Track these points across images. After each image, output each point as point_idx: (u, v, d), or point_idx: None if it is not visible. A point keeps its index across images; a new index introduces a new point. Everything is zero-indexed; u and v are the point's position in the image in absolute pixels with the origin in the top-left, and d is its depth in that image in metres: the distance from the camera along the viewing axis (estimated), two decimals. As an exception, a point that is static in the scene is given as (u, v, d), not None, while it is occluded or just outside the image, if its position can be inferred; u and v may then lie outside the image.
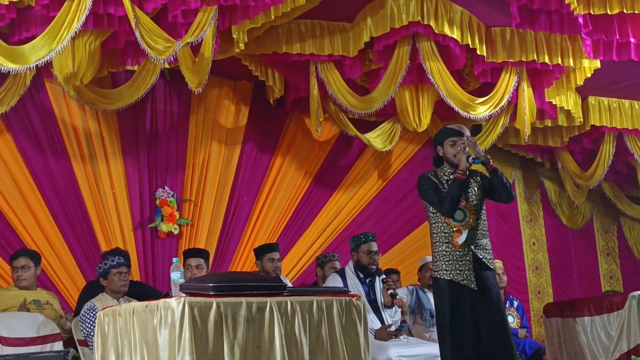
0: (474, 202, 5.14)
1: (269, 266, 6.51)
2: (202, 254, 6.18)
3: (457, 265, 4.99)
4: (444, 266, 5.02)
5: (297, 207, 8.00)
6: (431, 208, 5.14)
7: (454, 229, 5.04)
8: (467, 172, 5.07)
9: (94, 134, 7.00)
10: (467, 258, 4.99)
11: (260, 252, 6.63)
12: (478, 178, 5.25)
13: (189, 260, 5.99)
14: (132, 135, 7.22)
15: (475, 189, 5.18)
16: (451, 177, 5.09)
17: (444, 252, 5.03)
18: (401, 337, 6.17)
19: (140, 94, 6.68)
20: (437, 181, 5.13)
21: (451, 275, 4.98)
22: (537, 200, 10.22)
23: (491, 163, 5.07)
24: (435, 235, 5.12)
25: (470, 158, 5.03)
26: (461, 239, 4.99)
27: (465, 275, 4.97)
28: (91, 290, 6.07)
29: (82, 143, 6.95)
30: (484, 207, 5.19)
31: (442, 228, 5.08)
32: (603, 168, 9.30)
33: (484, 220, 5.17)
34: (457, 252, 5.00)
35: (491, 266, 5.07)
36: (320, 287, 6.59)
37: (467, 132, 5.21)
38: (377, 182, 8.61)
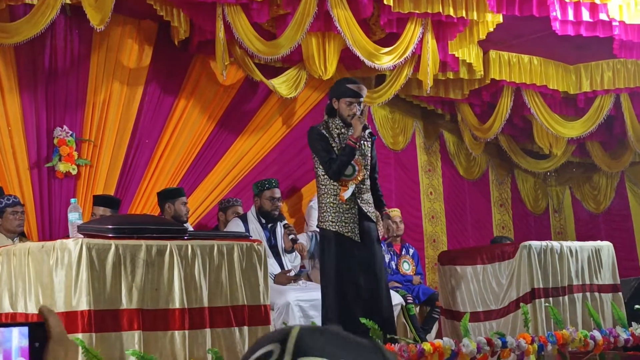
0: (364, 157, 5.26)
1: (184, 210, 6.48)
2: (111, 203, 6.07)
3: (343, 218, 5.15)
4: (330, 218, 5.17)
5: (199, 151, 7.94)
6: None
7: (342, 183, 5.17)
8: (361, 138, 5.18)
9: (-11, 68, 6.76)
10: (353, 211, 5.17)
11: (172, 195, 6.57)
12: (369, 134, 5.38)
13: (95, 207, 5.88)
14: (30, 72, 6.99)
15: (366, 143, 5.30)
16: (342, 130, 5.21)
17: (331, 204, 5.18)
18: (300, 281, 6.28)
19: (39, 29, 6.45)
20: (327, 135, 5.23)
21: (337, 227, 5.14)
22: (436, 151, 10.44)
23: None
24: (323, 187, 5.24)
25: (367, 132, 5.15)
26: (347, 193, 5.15)
27: (350, 228, 5.15)
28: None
29: (-23, 77, 6.70)
30: (370, 162, 5.34)
31: (330, 181, 5.20)
32: (500, 121, 9.55)
33: (369, 175, 5.32)
34: (344, 205, 5.16)
35: (373, 219, 5.25)
36: (221, 232, 6.61)
37: (364, 93, 5.31)
38: (281, 128, 8.61)
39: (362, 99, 5.25)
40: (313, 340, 0.89)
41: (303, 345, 0.88)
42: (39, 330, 0.91)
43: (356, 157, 5.20)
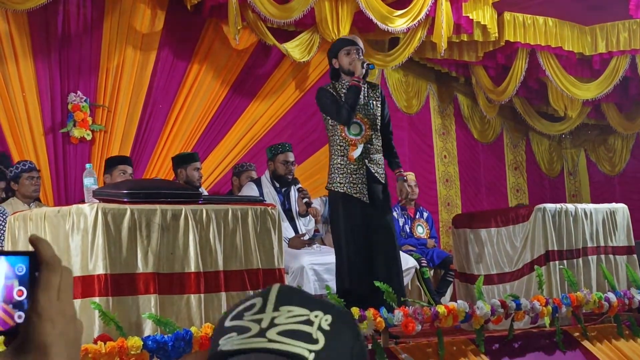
0: (372, 116, 5.23)
1: (196, 175, 6.50)
2: (129, 161, 6.13)
3: (351, 179, 5.13)
4: (338, 179, 5.16)
5: (213, 116, 7.94)
6: (330, 120, 5.23)
7: (350, 142, 5.15)
8: (365, 82, 5.15)
9: (3, 34, 6.75)
10: (361, 172, 5.14)
11: (184, 161, 6.57)
12: (378, 92, 5.33)
13: (124, 166, 5.88)
14: (43, 37, 6.98)
15: (374, 102, 5.26)
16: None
17: (339, 165, 5.16)
18: (314, 245, 6.29)
19: (51, -6, 6.44)
20: (335, 93, 5.20)
21: (345, 188, 5.13)
22: (450, 114, 10.39)
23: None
24: (332, 148, 5.24)
25: (365, 64, 5.10)
26: (356, 153, 5.12)
27: (358, 189, 5.13)
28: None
29: (-10, 44, 6.71)
30: (379, 122, 5.29)
31: (339, 141, 5.19)
32: (515, 84, 9.50)
33: (379, 135, 5.28)
34: (352, 166, 5.13)
35: (382, 180, 5.23)
36: (235, 196, 6.63)
37: (360, 43, 5.28)
38: (294, 92, 8.59)
39: (359, 47, 5.22)
40: (293, 294, 0.96)
41: (284, 298, 0.95)
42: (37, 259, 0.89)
43: (363, 117, 5.17)
